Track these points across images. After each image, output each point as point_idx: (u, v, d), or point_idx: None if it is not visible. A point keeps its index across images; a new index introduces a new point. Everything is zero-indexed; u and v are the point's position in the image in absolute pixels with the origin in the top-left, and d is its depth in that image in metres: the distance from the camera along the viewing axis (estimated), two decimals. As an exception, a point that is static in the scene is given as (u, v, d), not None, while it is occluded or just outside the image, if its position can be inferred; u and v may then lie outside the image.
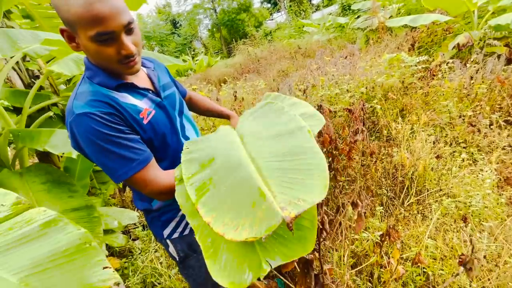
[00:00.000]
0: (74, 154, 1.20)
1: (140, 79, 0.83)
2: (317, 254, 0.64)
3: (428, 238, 1.12)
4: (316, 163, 0.46)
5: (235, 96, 3.28)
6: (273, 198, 0.42)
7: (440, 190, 1.56)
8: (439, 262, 1.05)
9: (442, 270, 1.07)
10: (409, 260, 1.10)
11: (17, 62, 1.87)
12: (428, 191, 1.64)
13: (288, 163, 0.49)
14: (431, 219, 1.22)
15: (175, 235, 0.94)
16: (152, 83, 0.84)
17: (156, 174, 0.72)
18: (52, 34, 1.30)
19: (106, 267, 0.72)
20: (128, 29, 0.65)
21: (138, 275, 1.70)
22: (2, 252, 0.62)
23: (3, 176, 1.29)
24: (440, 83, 2.57)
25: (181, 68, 9.86)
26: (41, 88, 1.97)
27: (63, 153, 1.22)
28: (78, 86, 0.74)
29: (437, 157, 1.82)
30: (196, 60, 12.31)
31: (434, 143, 1.96)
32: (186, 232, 0.94)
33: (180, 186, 0.64)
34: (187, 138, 0.92)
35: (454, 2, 3.47)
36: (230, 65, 9.18)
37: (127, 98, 0.75)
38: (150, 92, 0.81)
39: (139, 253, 1.90)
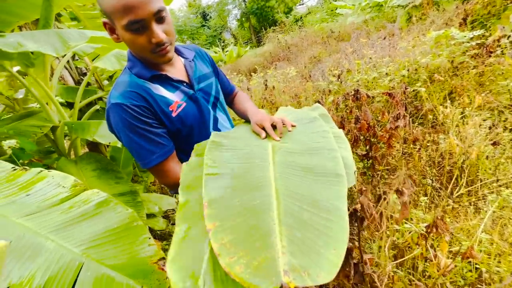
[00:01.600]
0: (119, 143, 1.30)
1: (176, 70, 0.84)
2: (356, 243, 0.61)
3: (482, 232, 1.01)
4: (337, 231, 0.40)
5: (266, 85, 3.25)
6: (280, 252, 0.37)
7: (498, 180, 1.40)
8: (494, 259, 0.95)
9: (499, 267, 0.97)
10: (459, 255, 1.01)
11: (68, 61, 2.06)
12: (481, 181, 1.47)
13: (309, 214, 0.44)
14: (486, 211, 1.10)
15: None
16: (188, 74, 0.85)
17: (174, 167, 0.77)
18: (96, 32, 1.40)
19: (152, 245, 0.78)
20: (158, 17, 0.67)
21: (178, 257, 1.82)
22: (67, 227, 0.70)
23: (62, 164, 1.45)
24: (499, 61, 2.26)
25: (212, 60, 10.01)
26: (88, 84, 2.15)
27: (109, 143, 1.32)
28: (120, 76, 0.80)
29: (494, 144, 1.62)
30: (226, 51, 12.40)
31: (490, 128, 1.75)
32: None
33: (196, 159, 0.63)
34: (219, 131, 0.92)
35: (518, -36, 2.97)
36: (259, 54, 9.09)
37: (159, 90, 0.78)
38: (184, 84, 0.82)
39: (178, 236, 2.02)
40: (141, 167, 0.79)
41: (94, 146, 2.08)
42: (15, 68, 1.66)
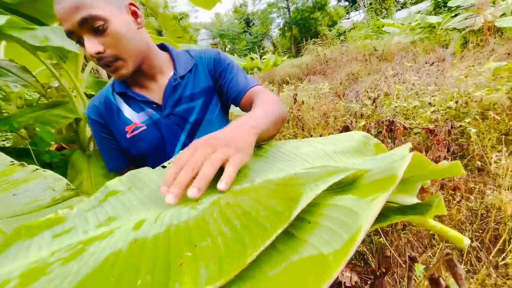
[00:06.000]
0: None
1: (157, 86, 0.73)
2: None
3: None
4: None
5: (295, 99, 3.13)
6: None
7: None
8: None
9: None
10: None
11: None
12: (536, 251, 1.20)
13: None
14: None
15: None
16: (164, 95, 0.72)
17: None
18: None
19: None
20: (91, 28, 0.56)
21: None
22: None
23: (76, 157, 1.46)
24: None
25: (247, 66, 10.15)
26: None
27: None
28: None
29: (558, 206, 1.33)
30: (263, 59, 12.50)
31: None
32: None
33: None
34: None
35: None
36: (296, 65, 8.99)
37: (124, 108, 0.74)
38: (154, 106, 0.71)
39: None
40: None
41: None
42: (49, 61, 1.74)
